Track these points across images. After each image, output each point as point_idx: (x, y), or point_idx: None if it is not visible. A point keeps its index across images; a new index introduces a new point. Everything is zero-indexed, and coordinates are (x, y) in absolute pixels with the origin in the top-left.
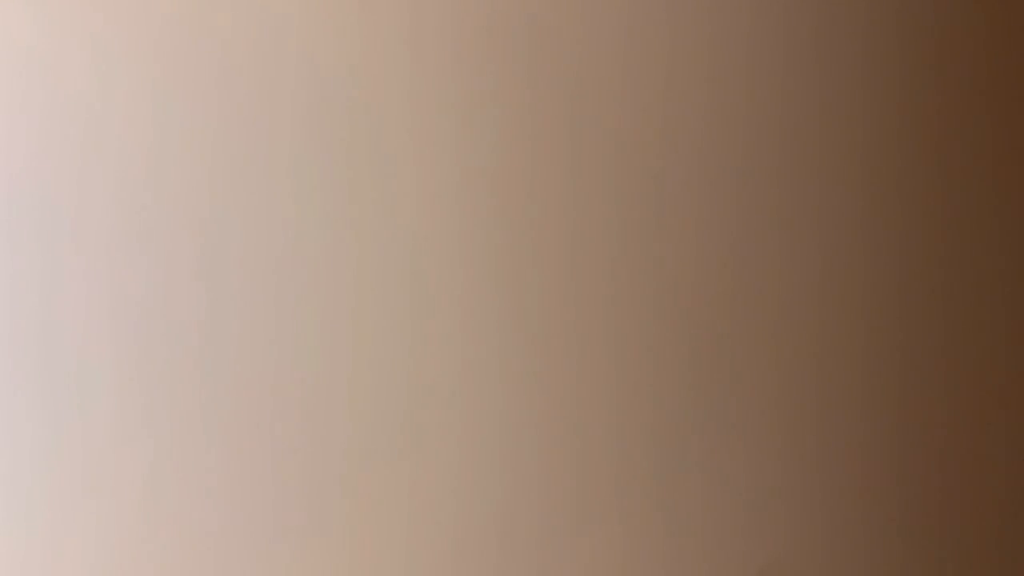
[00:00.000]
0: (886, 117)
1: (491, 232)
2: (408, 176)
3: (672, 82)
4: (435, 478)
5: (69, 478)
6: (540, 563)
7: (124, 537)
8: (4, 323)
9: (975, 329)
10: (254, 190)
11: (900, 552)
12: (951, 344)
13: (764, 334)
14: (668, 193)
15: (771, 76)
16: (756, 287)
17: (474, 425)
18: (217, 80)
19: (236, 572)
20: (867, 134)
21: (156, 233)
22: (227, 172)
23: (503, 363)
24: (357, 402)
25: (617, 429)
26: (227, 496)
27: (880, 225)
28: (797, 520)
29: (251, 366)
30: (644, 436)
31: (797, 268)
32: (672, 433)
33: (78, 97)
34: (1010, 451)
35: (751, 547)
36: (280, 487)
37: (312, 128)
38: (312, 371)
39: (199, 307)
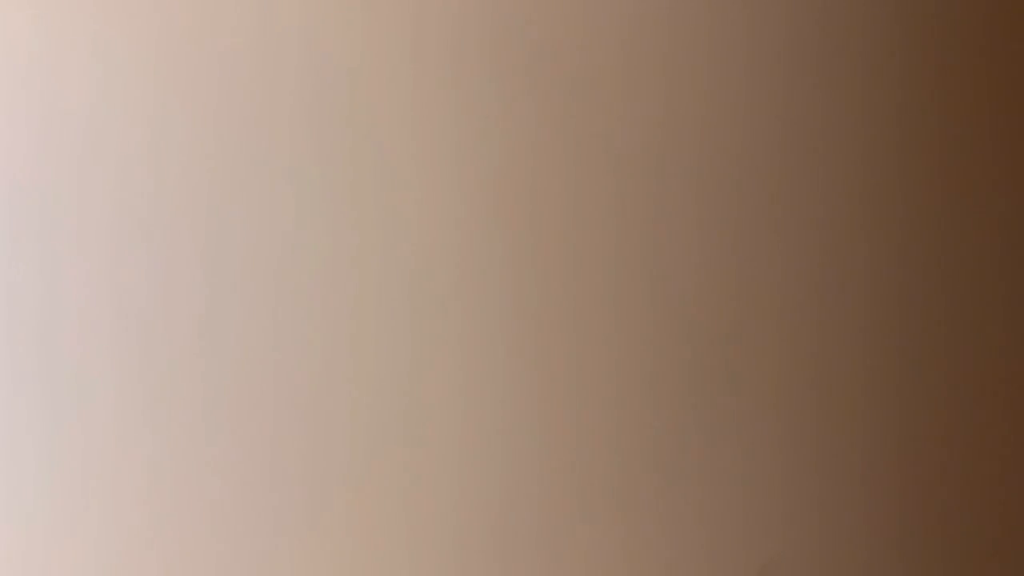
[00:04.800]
0: (886, 117)
1: (492, 233)
2: (409, 177)
3: (673, 83)
4: (435, 478)
5: (69, 478)
6: (540, 563)
7: (124, 537)
8: (4, 323)
9: (975, 329)
10: (255, 191)
11: (900, 552)
12: (951, 344)
13: (764, 334)
14: (668, 194)
15: (771, 77)
16: (756, 287)
17: (474, 425)
18: (218, 81)
19: (236, 572)
20: (867, 134)
21: (156, 233)
22: (228, 173)
23: (503, 363)
24: (358, 402)
25: (617, 429)
26: (227, 496)
27: (880, 225)
28: (797, 520)
29: (252, 366)
30: (644, 436)
31: (797, 268)
32: (672, 433)
33: (78, 98)
34: (1010, 451)
35: (751, 547)
36: (280, 486)
37: (313, 129)
38: (313, 371)
39: (200, 307)
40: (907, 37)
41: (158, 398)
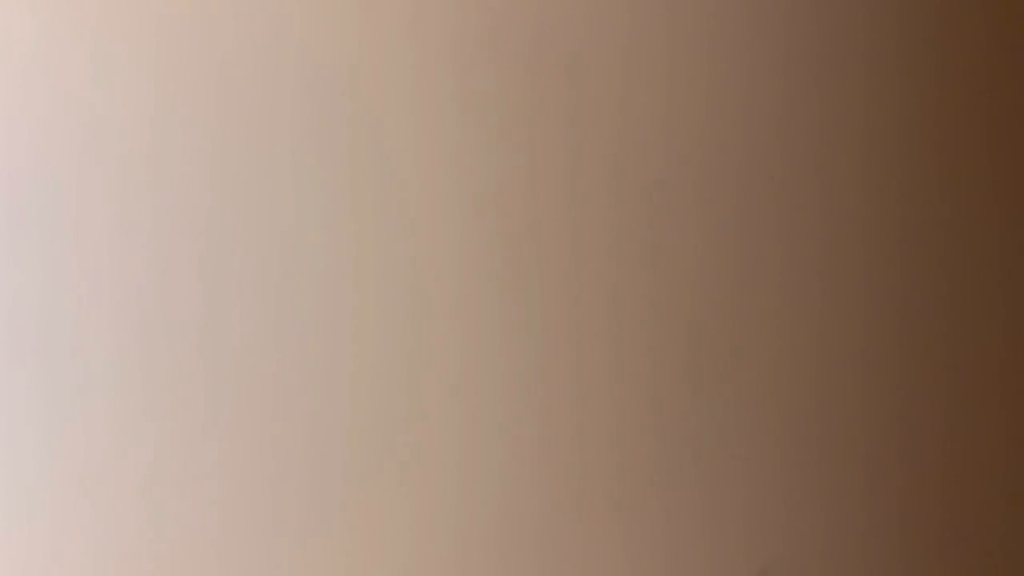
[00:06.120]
0: (886, 117)
1: (492, 232)
2: (409, 176)
3: (673, 83)
4: (435, 478)
5: (69, 477)
6: (540, 563)
7: (124, 537)
8: (4, 323)
9: (975, 329)
10: (254, 190)
11: (900, 552)
12: (951, 344)
13: (764, 334)
14: (668, 194)
15: (771, 77)
16: (756, 287)
17: (474, 426)
18: (217, 80)
19: (236, 572)
20: (867, 134)
21: (156, 233)
22: (227, 172)
23: (503, 364)
24: (358, 402)
25: (617, 429)
26: (227, 496)
27: (880, 225)
28: (797, 520)
29: (252, 366)
30: (644, 436)
31: (797, 269)
32: (672, 433)
33: (78, 97)
34: (1010, 451)
35: (751, 547)
36: (280, 487)
37: (312, 128)
38: (313, 371)
39: (199, 307)
40: (907, 37)
41: (158, 398)
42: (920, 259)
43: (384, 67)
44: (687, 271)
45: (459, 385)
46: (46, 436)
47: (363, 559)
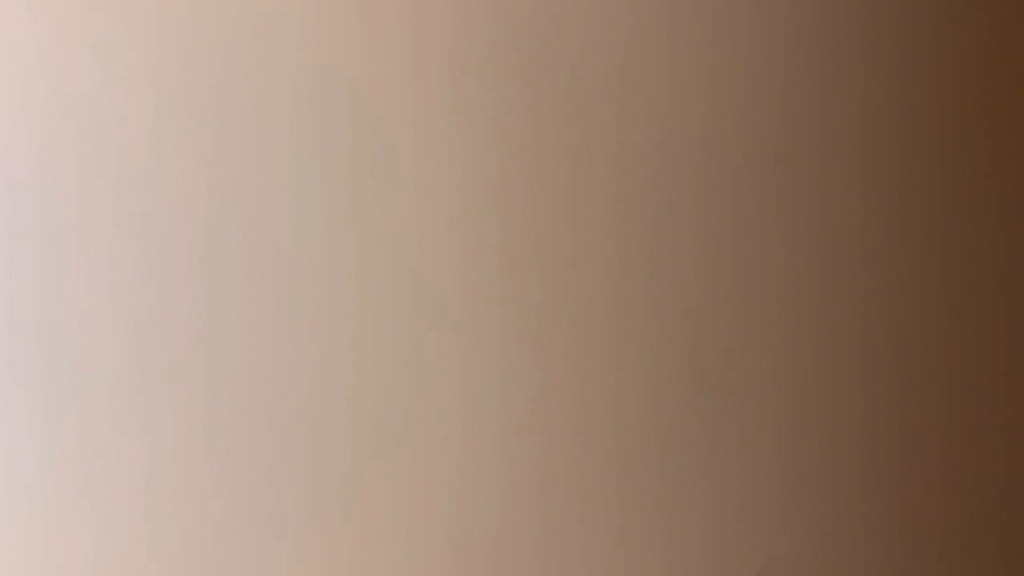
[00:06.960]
0: (886, 117)
1: (492, 233)
2: (409, 177)
3: (673, 84)
4: (435, 478)
5: (69, 477)
6: (540, 563)
7: (124, 537)
8: (4, 323)
9: (975, 329)
10: (254, 190)
11: (900, 551)
12: (951, 344)
13: (764, 335)
14: (668, 195)
15: (771, 77)
16: (756, 288)
17: (474, 426)
18: (217, 80)
19: (236, 572)
20: (867, 134)
21: (156, 233)
22: (227, 172)
23: (503, 364)
24: (357, 402)
25: (617, 430)
26: (227, 496)
27: (880, 225)
28: (797, 520)
29: (251, 366)
30: (644, 436)
31: (797, 269)
32: (672, 433)
33: (78, 97)
34: (1010, 451)
35: (751, 547)
36: (280, 487)
37: (312, 128)
38: (312, 371)
39: (199, 307)
40: (907, 37)
41: (157, 398)
42: (920, 259)
43: (384, 68)
44: (687, 271)
45: (459, 385)
46: (46, 437)
47: (363, 559)
